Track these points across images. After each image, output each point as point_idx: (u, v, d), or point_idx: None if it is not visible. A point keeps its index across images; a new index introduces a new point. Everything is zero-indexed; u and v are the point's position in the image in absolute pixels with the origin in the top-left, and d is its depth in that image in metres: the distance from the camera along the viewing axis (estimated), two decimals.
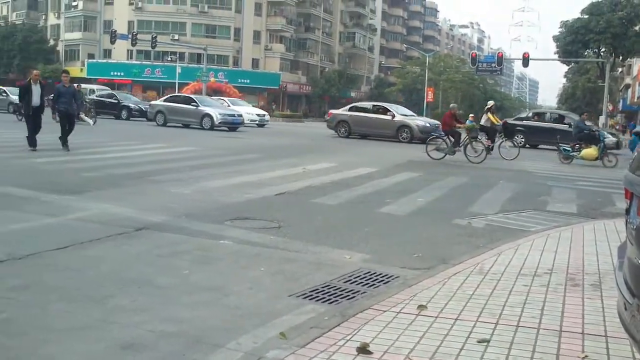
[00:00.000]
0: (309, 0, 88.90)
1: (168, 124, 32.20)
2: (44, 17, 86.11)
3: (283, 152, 19.85)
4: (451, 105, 22.73)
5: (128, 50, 73.71)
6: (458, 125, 20.46)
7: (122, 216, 8.18)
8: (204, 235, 7.39)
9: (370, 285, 5.66)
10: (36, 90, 16.30)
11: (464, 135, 20.58)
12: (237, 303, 4.99)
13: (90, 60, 76.49)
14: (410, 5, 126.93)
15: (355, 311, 4.72)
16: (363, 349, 3.91)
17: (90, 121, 18.12)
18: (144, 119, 36.29)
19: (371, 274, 6.02)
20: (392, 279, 5.90)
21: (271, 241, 7.26)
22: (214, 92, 61.34)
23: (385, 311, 4.73)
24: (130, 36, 54.35)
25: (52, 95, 18.10)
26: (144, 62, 74.15)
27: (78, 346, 3.99)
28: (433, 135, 21.89)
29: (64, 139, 16.42)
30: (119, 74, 72.55)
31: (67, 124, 16.71)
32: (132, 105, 39.31)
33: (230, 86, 64.36)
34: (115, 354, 3.90)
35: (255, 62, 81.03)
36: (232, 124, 31.90)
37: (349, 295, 5.33)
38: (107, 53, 78.24)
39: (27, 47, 78.53)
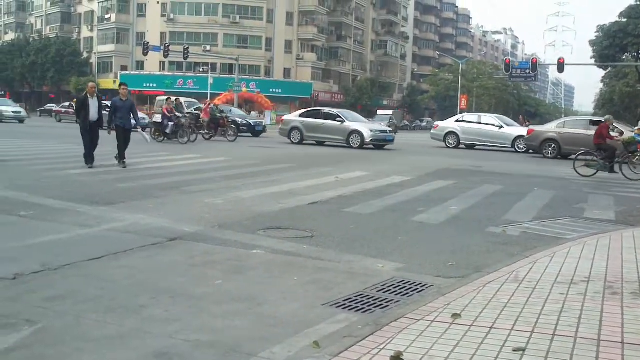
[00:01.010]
0: (341, 9, 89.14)
1: (305, 142, 30.08)
2: (77, 30, 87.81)
3: (315, 161, 19.87)
4: (606, 117, 20.39)
5: (160, 62, 74.66)
6: (611, 138, 18.35)
7: (156, 227, 8.24)
8: (237, 245, 7.40)
9: (404, 294, 5.61)
10: (93, 104, 15.31)
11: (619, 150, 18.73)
12: (271, 312, 4.99)
13: (123, 72, 77.52)
14: (442, 12, 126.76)
15: (389, 320, 4.68)
16: (397, 358, 3.87)
17: (148, 137, 17.06)
18: (250, 135, 35.58)
19: (404, 283, 5.98)
20: (426, 287, 5.85)
21: (304, 250, 7.25)
22: (246, 102, 61.86)
23: (419, 320, 4.68)
24: (162, 48, 54.92)
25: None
26: (176, 73, 75.06)
27: (112, 355, 4.02)
28: (582, 150, 19.44)
29: (120, 155, 15.64)
30: (151, 85, 73.48)
31: (124, 139, 15.80)
32: (239, 120, 35.44)
33: (262, 96, 64.81)
34: None
35: (286, 72, 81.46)
36: (384, 141, 29.22)
37: (382, 304, 5.29)
38: (140, 65, 79.27)
39: (60, 60, 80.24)
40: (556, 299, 5.30)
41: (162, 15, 77.47)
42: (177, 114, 26.58)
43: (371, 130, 28.63)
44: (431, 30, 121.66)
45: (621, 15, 52.47)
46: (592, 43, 54.73)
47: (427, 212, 10.30)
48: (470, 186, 14.20)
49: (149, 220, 8.64)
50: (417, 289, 5.81)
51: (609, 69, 70.78)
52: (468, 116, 35.49)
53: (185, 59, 57.23)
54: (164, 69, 77.02)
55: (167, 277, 5.88)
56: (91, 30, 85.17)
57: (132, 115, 16.11)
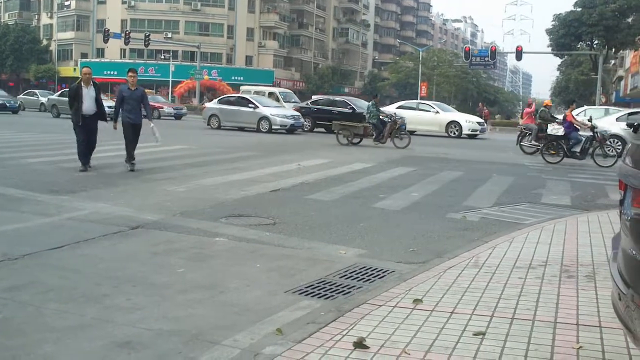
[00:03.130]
0: None
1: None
2: (36, 17, 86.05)
3: (277, 148, 19.83)
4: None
5: (121, 49, 73.67)
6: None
7: (117, 215, 8.18)
8: (199, 232, 7.39)
9: (366, 280, 5.67)
10: (88, 94, 12.75)
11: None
12: (233, 300, 5.00)
13: (83, 60, 76.03)
14: (403, 0, 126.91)
15: (351, 306, 4.73)
16: (359, 344, 3.92)
17: (158, 134, 13.69)
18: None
19: (366, 269, 6.04)
20: (388, 273, 5.91)
21: (266, 238, 7.27)
22: (208, 89, 61.42)
23: (381, 305, 4.74)
24: (123, 35, 54.18)
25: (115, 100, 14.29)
26: (137, 61, 73.92)
27: (75, 345, 4.00)
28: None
29: (129, 155, 13.07)
30: (112, 73, 72.27)
31: (132, 135, 13.14)
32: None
33: (224, 84, 64.41)
34: (112, 352, 3.91)
35: (248, 59, 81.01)
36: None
37: (344, 291, 5.34)
38: (100, 52, 78.10)
39: (19, 47, 78.62)
40: (515, 283, 5.41)
41: (123, 2, 76.26)
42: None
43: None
44: (392, 18, 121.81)
45: (576, 4, 53.11)
46: (549, 32, 55.33)
47: (389, 199, 10.38)
48: (431, 173, 14.33)
49: (110, 209, 8.57)
50: (379, 274, 5.87)
51: (565, 57, 71.87)
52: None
53: (146, 46, 56.46)
54: (124, 57, 75.96)
55: (129, 266, 5.86)
56: (51, 17, 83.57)
57: (142, 107, 13.45)
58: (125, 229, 7.44)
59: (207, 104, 33.37)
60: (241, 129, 30.00)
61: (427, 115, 32.48)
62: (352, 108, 30.21)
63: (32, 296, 4.91)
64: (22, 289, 5.08)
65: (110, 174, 12.08)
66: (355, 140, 22.91)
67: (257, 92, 37.93)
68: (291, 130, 29.20)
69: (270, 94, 36.39)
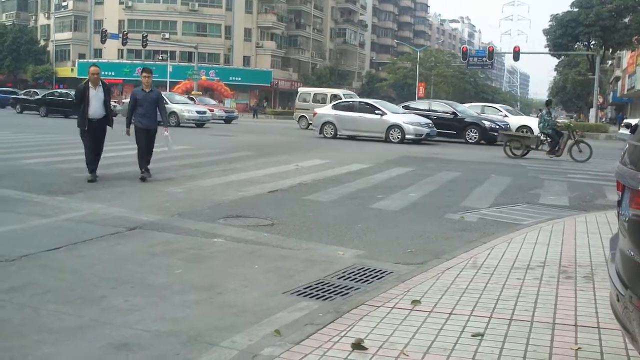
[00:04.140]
0: None
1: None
2: (34, 17, 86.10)
3: (276, 149, 19.83)
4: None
5: (119, 50, 73.75)
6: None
7: (115, 216, 8.17)
8: (197, 233, 7.38)
9: (364, 281, 5.66)
10: (96, 96, 11.47)
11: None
12: (231, 301, 4.99)
13: (81, 60, 76.30)
14: (401, 1, 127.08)
15: (349, 307, 4.72)
16: (358, 345, 3.92)
17: (172, 146, 12.91)
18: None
19: (365, 270, 6.03)
20: (386, 274, 5.91)
21: (264, 239, 7.26)
22: (205, 90, 61.44)
23: (379, 307, 4.74)
24: (120, 35, 54.22)
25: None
26: (134, 62, 73.99)
27: (73, 346, 3.99)
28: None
29: (140, 163, 11.89)
30: (110, 73, 72.17)
31: (145, 142, 11.97)
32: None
33: (222, 84, 64.48)
34: (109, 353, 3.90)
35: (246, 60, 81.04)
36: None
37: (342, 292, 5.33)
38: (98, 53, 78.16)
39: (17, 48, 78.63)
40: (513, 284, 5.40)
41: (121, 3, 76.35)
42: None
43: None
44: (389, 18, 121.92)
45: (573, 5, 53.22)
46: (546, 32, 55.44)
47: (387, 199, 10.38)
48: (429, 173, 14.33)
49: (107, 210, 8.56)
50: (377, 275, 5.86)
51: (562, 57, 72.03)
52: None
53: (143, 46, 56.56)
54: (122, 57, 76.02)
55: (127, 267, 5.85)
56: (48, 17, 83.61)
57: (157, 111, 12.15)
58: (122, 230, 7.43)
59: (319, 110, 29.27)
60: (366, 138, 26.22)
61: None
62: (454, 113, 27.62)
63: (30, 297, 4.90)
64: (20, 290, 5.06)
65: (107, 175, 12.05)
66: (521, 151, 20.31)
67: (318, 94, 37.26)
68: (417, 140, 25.38)
69: (334, 96, 35.36)
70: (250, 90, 76.35)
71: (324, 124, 27.23)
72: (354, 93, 42.28)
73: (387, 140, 25.28)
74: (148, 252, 6.46)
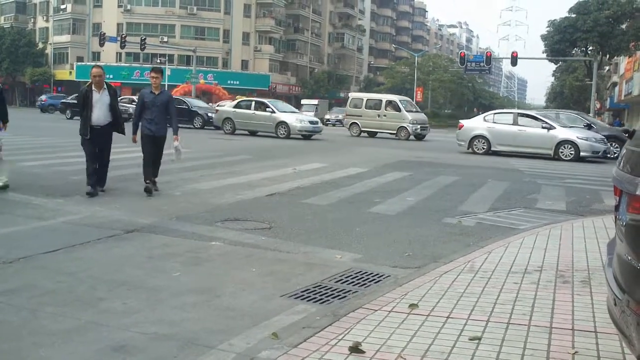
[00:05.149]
0: (298, 1, 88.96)
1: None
2: (32, 20, 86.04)
3: (274, 152, 19.84)
4: None
5: (117, 53, 73.68)
6: None
7: (112, 219, 8.17)
8: (195, 236, 7.38)
9: (362, 285, 5.67)
10: (100, 99, 10.27)
11: None
12: (229, 304, 4.99)
13: (79, 63, 76.25)
14: (399, 6, 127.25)
15: (347, 311, 4.73)
16: (355, 348, 3.92)
17: (182, 150, 11.25)
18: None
19: (362, 274, 6.03)
20: (383, 278, 5.91)
21: (262, 242, 7.26)
22: (203, 93, 61.44)
23: (376, 310, 4.74)
24: (119, 38, 54.14)
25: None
26: (133, 65, 74.01)
27: (69, 349, 3.99)
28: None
29: (145, 173, 10.67)
30: (108, 76, 71.57)
31: (151, 150, 10.78)
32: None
33: (220, 88, 64.46)
34: (107, 356, 3.90)
35: (244, 64, 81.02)
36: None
37: (340, 295, 5.34)
38: (96, 56, 77.95)
39: (15, 50, 78.63)
40: (510, 288, 5.41)
41: (119, 6, 76.38)
42: None
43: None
44: (387, 23, 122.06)
45: (571, 10, 53.27)
46: (544, 37, 55.47)
47: (384, 203, 10.39)
48: (426, 177, 14.34)
49: (105, 213, 8.55)
50: (375, 279, 5.87)
51: (560, 63, 72.06)
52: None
53: (142, 50, 56.53)
54: (120, 60, 75.94)
55: (124, 270, 5.84)
56: (46, 20, 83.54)
57: (167, 117, 10.92)
58: (120, 232, 7.43)
59: (466, 123, 25.29)
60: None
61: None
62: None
63: (27, 300, 4.89)
64: (17, 292, 5.06)
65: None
66: None
67: (370, 99, 34.86)
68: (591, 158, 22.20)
69: (389, 103, 33.54)
70: (248, 93, 76.02)
71: (474, 137, 24.04)
72: (410, 99, 38.96)
73: (555, 157, 22.06)
74: (146, 255, 6.46)
